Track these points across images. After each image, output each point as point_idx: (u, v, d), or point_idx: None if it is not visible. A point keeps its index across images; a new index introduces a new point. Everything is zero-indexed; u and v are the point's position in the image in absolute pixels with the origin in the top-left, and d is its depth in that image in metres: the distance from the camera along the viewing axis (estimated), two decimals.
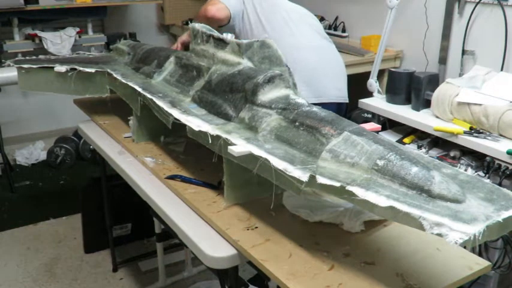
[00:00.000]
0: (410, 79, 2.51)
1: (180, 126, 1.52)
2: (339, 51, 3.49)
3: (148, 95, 1.72)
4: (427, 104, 2.44)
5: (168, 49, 2.22)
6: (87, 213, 2.83)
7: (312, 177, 1.08)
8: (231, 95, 1.50)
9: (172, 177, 1.62)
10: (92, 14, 3.91)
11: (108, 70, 2.08)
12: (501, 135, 2.09)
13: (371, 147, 1.10)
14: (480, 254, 2.00)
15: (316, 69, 2.32)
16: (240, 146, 1.26)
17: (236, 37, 2.35)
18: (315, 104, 2.32)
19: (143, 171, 1.74)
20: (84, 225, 2.86)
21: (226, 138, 1.31)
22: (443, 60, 3.18)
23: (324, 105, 2.39)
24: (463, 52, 3.03)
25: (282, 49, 2.28)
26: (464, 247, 1.20)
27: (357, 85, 3.00)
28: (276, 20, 2.35)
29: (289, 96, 1.40)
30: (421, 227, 0.91)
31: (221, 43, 1.65)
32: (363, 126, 1.23)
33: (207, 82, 1.64)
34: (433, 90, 2.37)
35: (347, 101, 2.40)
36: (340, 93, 2.37)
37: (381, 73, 3.03)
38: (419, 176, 1.00)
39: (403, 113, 2.46)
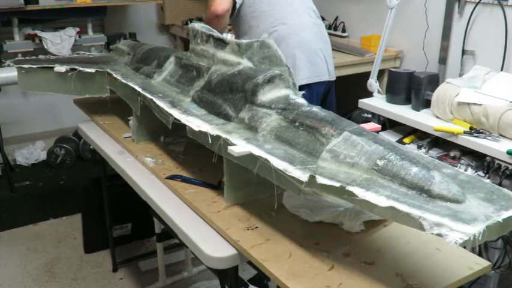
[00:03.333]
0: (410, 79, 2.51)
1: (180, 126, 1.52)
2: (339, 51, 3.51)
3: (148, 95, 1.72)
4: (427, 104, 2.44)
5: (168, 49, 2.22)
6: (87, 213, 2.83)
7: (312, 177, 1.08)
8: (231, 95, 1.50)
9: (172, 177, 1.62)
10: (92, 14, 3.91)
11: (108, 70, 2.08)
12: (501, 135, 2.09)
13: (371, 147, 1.10)
14: (480, 254, 2.00)
15: (316, 49, 2.44)
16: (240, 146, 1.26)
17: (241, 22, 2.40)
18: (317, 83, 2.42)
19: (143, 171, 1.74)
20: (84, 225, 2.86)
21: (226, 138, 1.31)
22: (443, 60, 3.18)
23: (322, 84, 2.46)
24: (463, 52, 3.03)
25: (288, 28, 2.38)
26: (464, 247, 1.21)
27: (357, 85, 3.00)
28: None
29: (289, 96, 1.40)
30: (421, 227, 0.91)
31: (221, 43, 1.65)
32: (363, 126, 1.23)
33: (207, 82, 1.64)
34: (433, 90, 2.37)
35: (334, 78, 2.56)
36: (332, 71, 2.53)
37: (381, 73, 3.03)
38: (419, 176, 1.00)
39: (403, 113, 2.46)
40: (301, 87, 2.32)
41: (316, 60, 2.43)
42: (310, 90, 2.38)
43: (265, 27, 2.34)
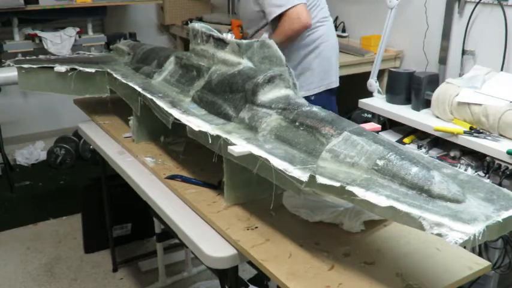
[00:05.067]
0: (410, 79, 2.51)
1: (180, 126, 1.52)
2: (339, 51, 3.51)
3: (149, 95, 1.72)
4: (427, 104, 2.44)
5: (168, 49, 2.22)
6: (87, 213, 2.83)
7: (312, 177, 1.08)
8: (231, 95, 1.50)
9: (172, 177, 1.62)
10: (92, 14, 3.90)
11: (108, 70, 2.08)
12: (501, 135, 2.09)
13: (371, 147, 1.10)
14: (480, 254, 2.00)
15: (336, 54, 2.55)
16: (240, 146, 1.26)
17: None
18: (333, 89, 2.51)
19: (143, 171, 1.74)
20: (84, 225, 2.86)
21: (226, 138, 1.31)
22: (443, 60, 3.18)
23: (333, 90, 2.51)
24: (463, 52, 3.03)
25: (328, 29, 2.44)
26: (464, 247, 1.21)
27: (357, 85, 3.00)
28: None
29: (289, 96, 1.40)
30: (421, 227, 0.91)
31: (221, 43, 1.65)
32: (362, 126, 1.23)
33: (207, 82, 1.64)
34: (433, 90, 2.37)
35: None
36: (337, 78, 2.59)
37: (381, 73, 3.03)
38: (419, 176, 1.00)
39: (403, 113, 2.46)
40: (328, 91, 2.44)
41: (336, 66, 2.53)
42: (331, 95, 2.48)
43: (317, 19, 2.38)
